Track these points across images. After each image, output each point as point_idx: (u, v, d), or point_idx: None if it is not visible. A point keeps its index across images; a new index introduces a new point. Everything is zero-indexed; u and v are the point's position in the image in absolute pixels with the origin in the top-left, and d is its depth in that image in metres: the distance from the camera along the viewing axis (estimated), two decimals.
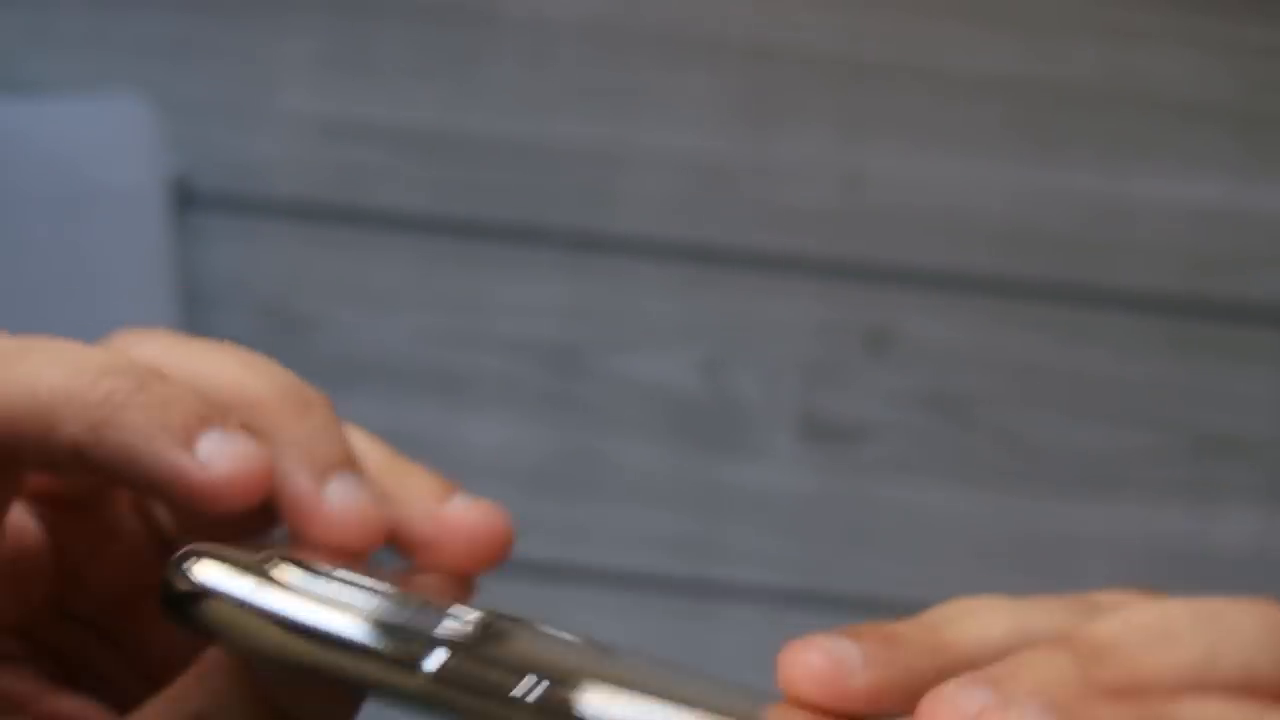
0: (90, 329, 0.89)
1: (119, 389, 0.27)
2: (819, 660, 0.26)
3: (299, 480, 0.28)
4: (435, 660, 0.25)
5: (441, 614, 0.25)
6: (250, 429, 0.28)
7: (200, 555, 0.26)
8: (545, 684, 0.24)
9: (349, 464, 0.29)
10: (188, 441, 0.27)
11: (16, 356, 0.27)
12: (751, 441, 0.80)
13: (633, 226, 0.80)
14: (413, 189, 0.79)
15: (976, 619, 0.28)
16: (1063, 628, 0.27)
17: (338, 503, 0.28)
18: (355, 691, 0.26)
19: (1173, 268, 0.79)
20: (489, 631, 0.25)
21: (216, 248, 0.80)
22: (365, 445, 0.30)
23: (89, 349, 0.28)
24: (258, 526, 0.30)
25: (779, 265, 0.79)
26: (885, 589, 0.79)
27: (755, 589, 0.80)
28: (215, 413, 0.27)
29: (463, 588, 0.30)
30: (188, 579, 0.26)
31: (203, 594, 0.26)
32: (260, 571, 0.26)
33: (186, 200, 0.80)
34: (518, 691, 0.24)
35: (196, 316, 0.79)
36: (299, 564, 0.26)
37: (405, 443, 0.31)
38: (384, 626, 0.25)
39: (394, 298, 0.80)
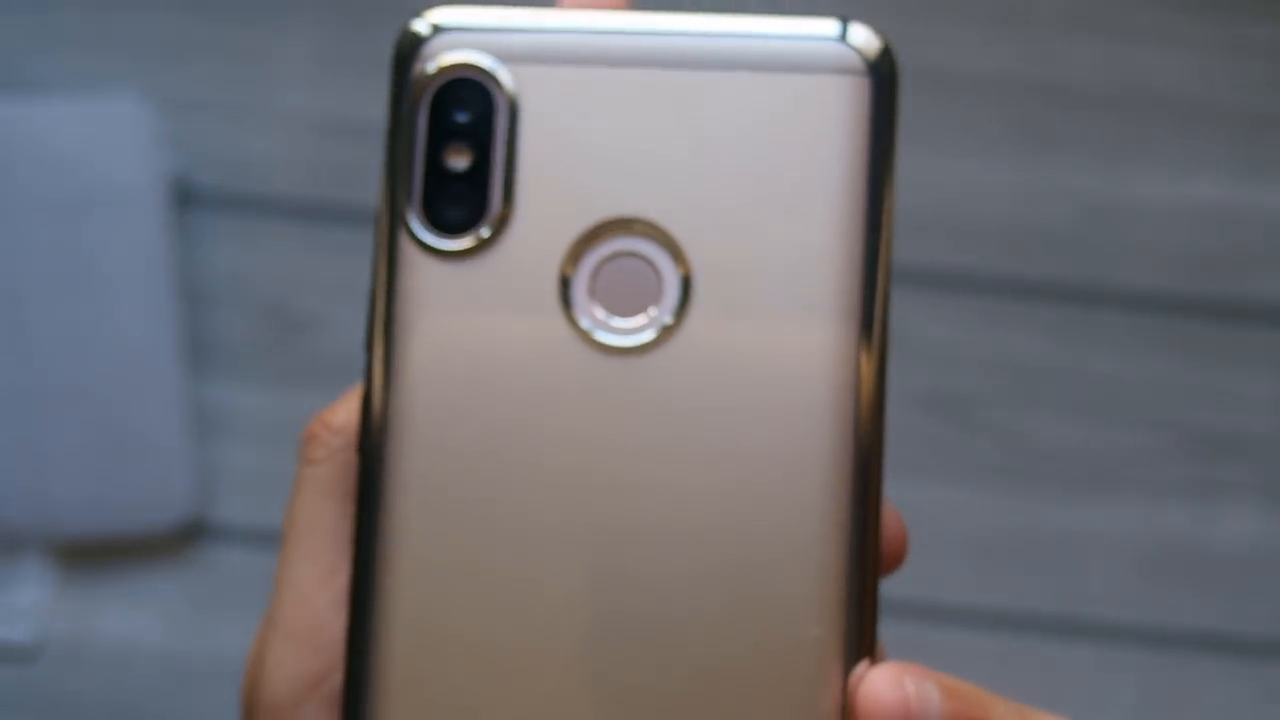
0: (90, 329, 0.89)
1: None
2: (894, 698, 0.26)
3: None
4: None
5: None
6: None
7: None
8: None
9: None
10: None
11: None
12: None
13: None
14: None
15: None
16: None
17: None
18: None
19: (1173, 268, 0.79)
20: None
21: (216, 247, 0.80)
22: None
23: None
24: None
25: None
26: (885, 589, 0.79)
27: None
28: None
29: None
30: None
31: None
32: None
33: (186, 200, 0.80)
34: None
35: (196, 316, 0.79)
36: None
37: None
38: None
39: None
